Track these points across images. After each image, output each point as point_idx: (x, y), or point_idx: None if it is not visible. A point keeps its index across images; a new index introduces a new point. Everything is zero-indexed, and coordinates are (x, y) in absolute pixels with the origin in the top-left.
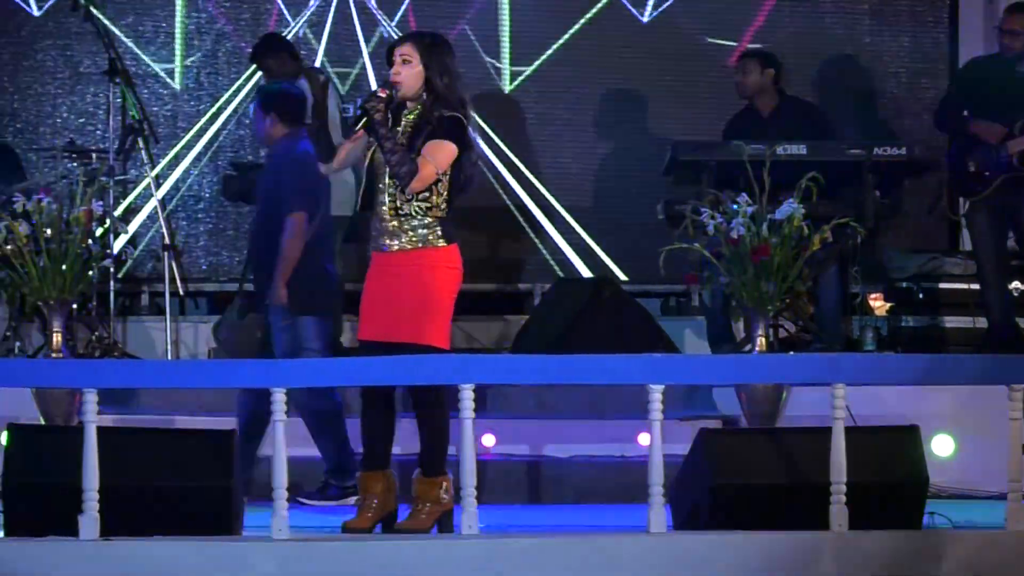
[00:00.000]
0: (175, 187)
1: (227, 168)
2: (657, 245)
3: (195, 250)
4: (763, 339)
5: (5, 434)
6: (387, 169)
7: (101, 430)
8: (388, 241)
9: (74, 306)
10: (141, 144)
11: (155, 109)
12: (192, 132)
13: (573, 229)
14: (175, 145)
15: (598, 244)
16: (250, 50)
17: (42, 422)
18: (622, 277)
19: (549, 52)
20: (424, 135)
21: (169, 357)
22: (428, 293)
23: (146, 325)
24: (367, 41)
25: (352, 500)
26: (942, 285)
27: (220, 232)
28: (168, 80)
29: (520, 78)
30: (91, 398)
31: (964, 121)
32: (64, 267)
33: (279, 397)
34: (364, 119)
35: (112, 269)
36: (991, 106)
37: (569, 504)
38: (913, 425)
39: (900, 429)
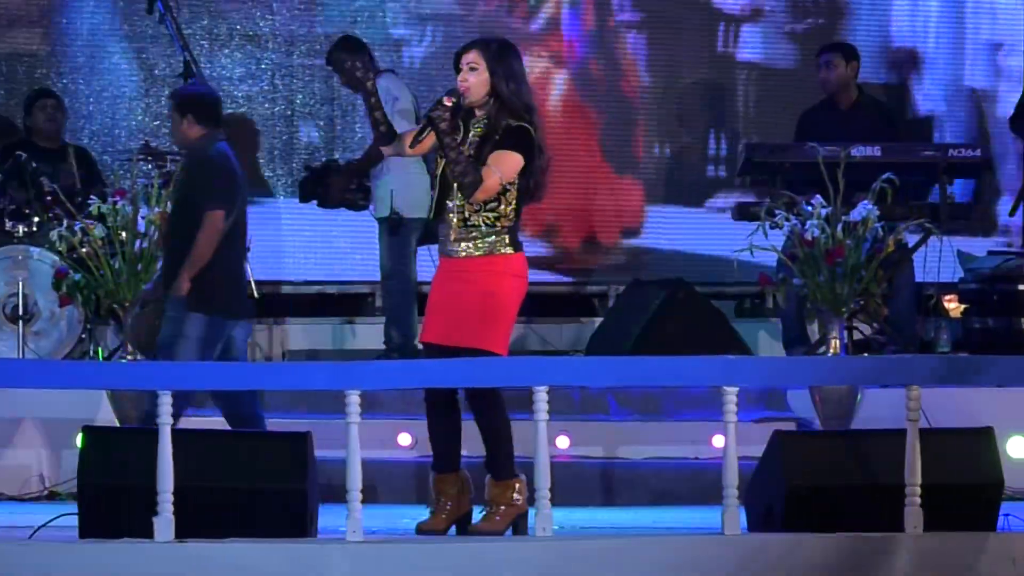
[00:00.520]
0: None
1: (301, 171)
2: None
3: (270, 252)
4: (837, 341)
5: (80, 436)
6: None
7: (175, 432)
8: (456, 247)
9: None
10: None
11: (230, 110)
12: (266, 133)
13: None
14: (250, 147)
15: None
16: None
17: (117, 424)
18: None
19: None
20: (491, 144)
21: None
22: (493, 300)
23: None
24: None
25: None
26: (1020, 287)
27: (295, 234)
28: (241, 83)
29: None
30: (166, 400)
31: None
32: (139, 269)
33: (353, 399)
34: (429, 128)
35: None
36: None
37: (643, 506)
38: (988, 427)
39: (975, 431)
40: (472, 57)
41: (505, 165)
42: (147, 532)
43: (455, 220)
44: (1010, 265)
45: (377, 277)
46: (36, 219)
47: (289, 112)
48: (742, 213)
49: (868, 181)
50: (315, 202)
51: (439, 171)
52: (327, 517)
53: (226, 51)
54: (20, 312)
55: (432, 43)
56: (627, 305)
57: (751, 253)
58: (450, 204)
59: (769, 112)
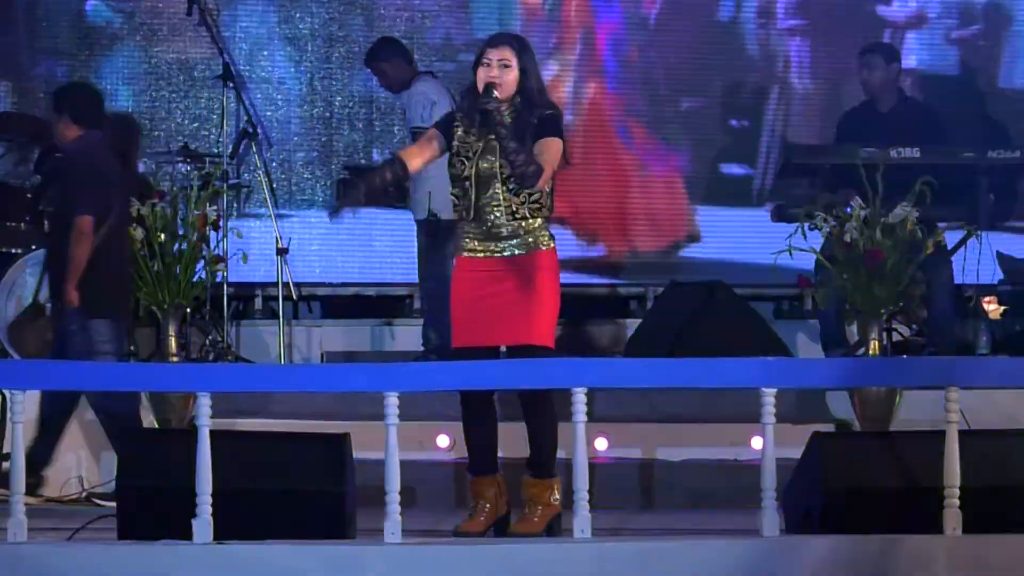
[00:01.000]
0: (288, 191)
1: (341, 172)
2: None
3: (308, 254)
4: (876, 342)
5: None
6: (499, 172)
7: (214, 433)
8: (498, 245)
9: (188, 310)
10: (254, 148)
11: (268, 113)
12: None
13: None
14: (288, 149)
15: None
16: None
17: (156, 426)
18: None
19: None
20: (530, 135)
21: (282, 361)
22: (542, 294)
23: (259, 329)
24: None
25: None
26: None
27: (333, 236)
28: (281, 85)
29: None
30: (205, 402)
31: None
32: (178, 271)
33: (392, 401)
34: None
35: (226, 273)
36: None
37: (681, 507)
38: None
39: (1014, 432)
40: (505, 54)
41: (552, 153)
42: (186, 534)
43: (502, 215)
44: None
45: (415, 279)
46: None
47: (328, 114)
48: (781, 215)
49: (908, 183)
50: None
51: (469, 171)
52: (365, 519)
53: (265, 53)
54: None
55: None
56: (665, 306)
57: (790, 255)
58: (494, 200)
59: None
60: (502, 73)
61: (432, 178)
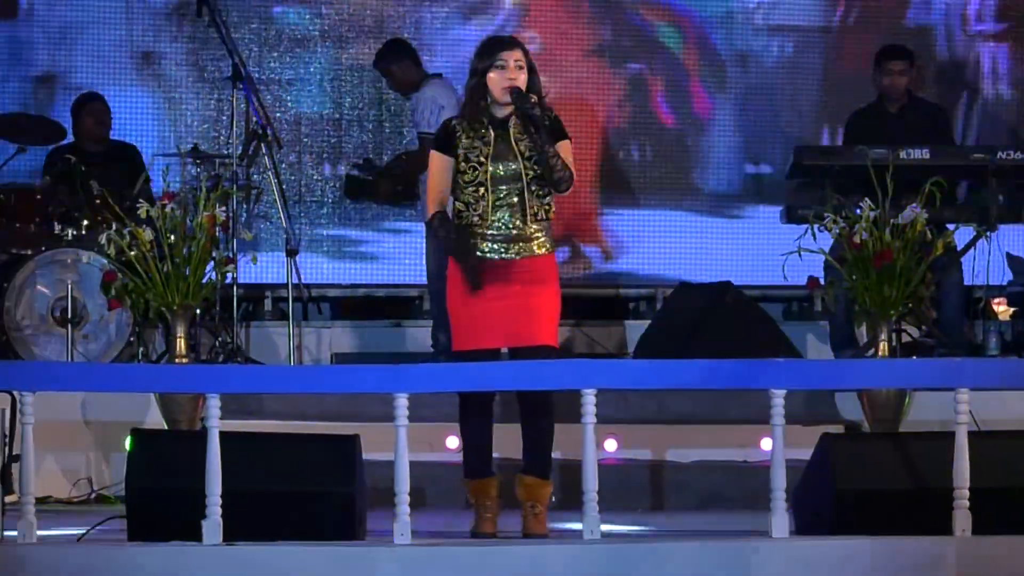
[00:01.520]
0: (298, 192)
1: (350, 169)
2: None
3: (318, 255)
4: (886, 344)
5: (129, 439)
6: (523, 175)
7: (224, 435)
8: (518, 247)
9: (197, 311)
10: (264, 150)
11: (278, 115)
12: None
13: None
14: (298, 151)
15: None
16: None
17: (165, 427)
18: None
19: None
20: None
21: (292, 363)
22: (556, 296)
23: (269, 330)
24: None
25: None
26: None
27: (343, 237)
28: (290, 86)
29: None
30: (214, 403)
31: None
32: (188, 273)
33: (402, 402)
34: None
35: (235, 274)
36: None
37: (691, 509)
38: None
39: None
40: (518, 55)
41: (570, 155)
42: (195, 535)
43: (519, 217)
44: None
45: (425, 280)
46: (85, 222)
47: (337, 115)
48: (791, 216)
49: (917, 184)
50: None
51: (484, 175)
52: (375, 520)
53: (275, 54)
54: (69, 315)
55: None
56: (675, 308)
57: (799, 256)
58: (510, 202)
59: None
60: (519, 74)
61: None
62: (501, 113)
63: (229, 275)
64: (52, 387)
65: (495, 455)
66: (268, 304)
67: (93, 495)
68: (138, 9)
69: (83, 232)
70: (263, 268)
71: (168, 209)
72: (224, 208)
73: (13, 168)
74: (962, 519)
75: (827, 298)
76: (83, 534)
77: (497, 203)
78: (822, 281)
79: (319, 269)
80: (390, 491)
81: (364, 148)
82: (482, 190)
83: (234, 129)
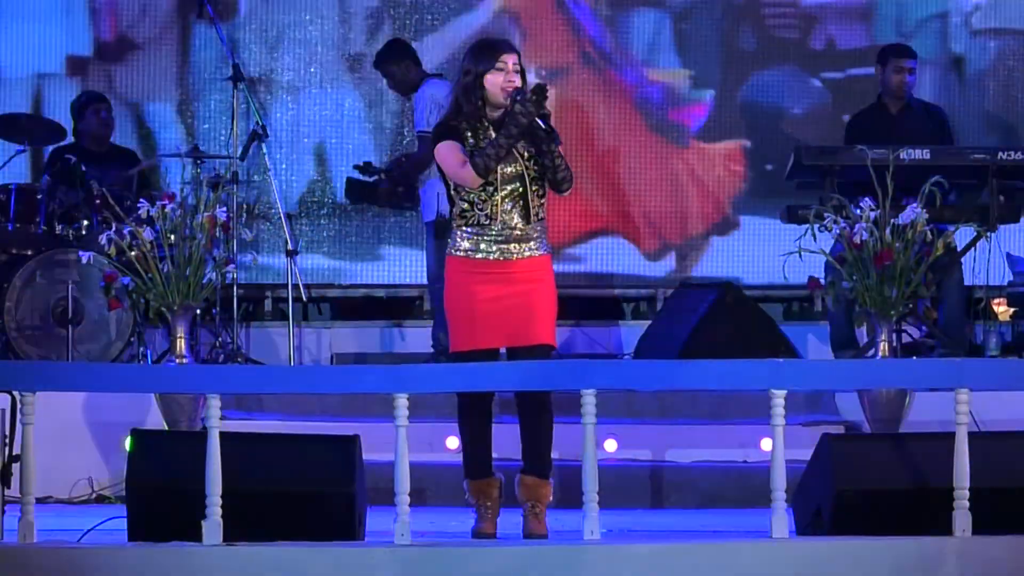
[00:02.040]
0: (298, 193)
1: (350, 171)
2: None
3: (318, 255)
4: (886, 344)
5: (129, 439)
6: (527, 175)
7: (224, 435)
8: (517, 247)
9: (198, 311)
10: (264, 150)
11: (279, 115)
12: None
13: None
14: (298, 151)
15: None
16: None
17: (166, 427)
18: (745, 282)
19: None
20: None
21: (292, 363)
22: (553, 296)
23: (269, 330)
24: None
25: None
26: None
27: (343, 237)
28: (291, 87)
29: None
30: (214, 403)
31: None
32: (188, 273)
33: (402, 402)
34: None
35: (235, 274)
36: None
37: (691, 509)
38: None
39: None
40: (516, 59)
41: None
42: (195, 535)
43: (521, 217)
44: None
45: (425, 280)
46: (85, 222)
47: (338, 116)
48: (791, 216)
49: (918, 184)
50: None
51: (493, 176)
52: (375, 520)
53: (275, 55)
54: (69, 315)
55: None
56: (675, 308)
57: (800, 256)
58: (513, 202)
59: None
60: (516, 78)
61: (441, 181)
62: (497, 115)
63: (229, 275)
64: (52, 387)
65: (494, 455)
66: (268, 304)
67: (93, 495)
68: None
69: (83, 232)
70: (263, 268)
71: (168, 209)
72: (224, 208)
73: (13, 168)
74: (962, 519)
75: (828, 298)
76: (83, 534)
77: (504, 203)
78: (822, 281)
79: (319, 269)
80: (390, 491)
81: (364, 148)
82: (491, 189)
83: (234, 129)
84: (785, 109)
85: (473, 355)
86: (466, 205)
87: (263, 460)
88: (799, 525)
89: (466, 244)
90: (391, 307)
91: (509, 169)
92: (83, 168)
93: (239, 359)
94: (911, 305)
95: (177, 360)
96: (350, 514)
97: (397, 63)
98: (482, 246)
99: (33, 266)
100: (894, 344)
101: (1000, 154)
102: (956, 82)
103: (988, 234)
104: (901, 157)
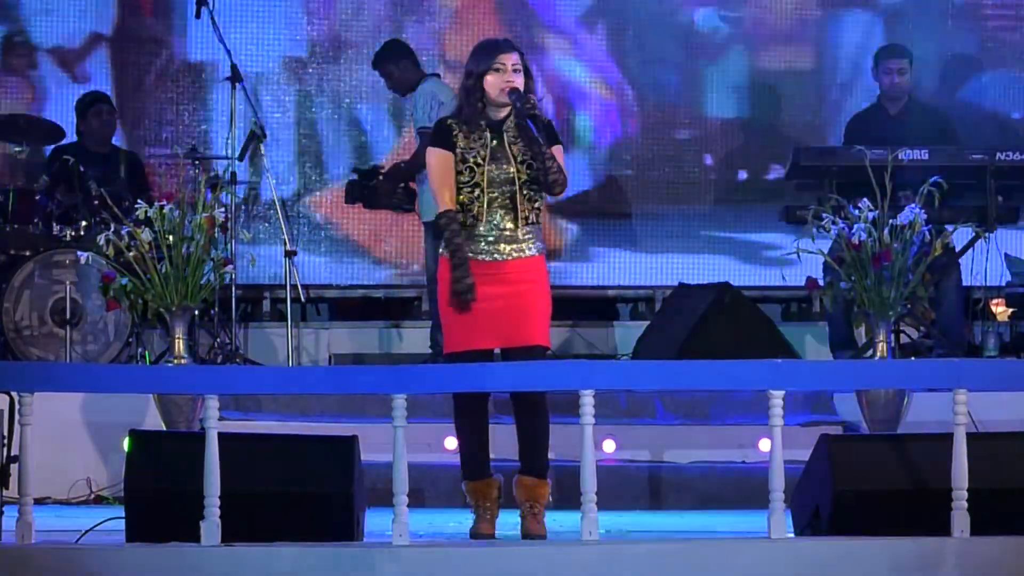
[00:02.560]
0: (296, 193)
1: (349, 174)
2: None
3: (316, 256)
4: (884, 344)
5: (127, 440)
6: (517, 177)
7: (222, 436)
8: (509, 248)
9: (196, 312)
10: (263, 150)
11: (277, 116)
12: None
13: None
14: (296, 151)
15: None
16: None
17: (164, 428)
18: (743, 282)
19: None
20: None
21: (290, 363)
22: (547, 297)
23: (267, 331)
24: None
25: None
26: None
27: (341, 238)
28: (289, 87)
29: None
30: (213, 404)
31: None
32: (186, 273)
33: (400, 403)
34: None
35: (234, 275)
36: None
37: (689, 510)
38: None
39: (1023, 435)
40: (516, 59)
41: (561, 158)
42: (194, 536)
43: (512, 219)
44: None
45: (423, 281)
46: (84, 223)
47: (336, 116)
48: (790, 216)
49: (916, 185)
50: (361, 204)
51: (480, 176)
52: (374, 521)
53: (273, 54)
54: (68, 316)
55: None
56: (674, 309)
57: (798, 257)
58: (504, 204)
59: None
60: (516, 78)
61: None
62: (497, 116)
63: (227, 276)
64: (50, 388)
65: (492, 456)
66: (267, 305)
67: (91, 496)
68: (135, 8)
69: (82, 233)
70: (261, 269)
71: (166, 210)
72: (222, 209)
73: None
74: (960, 520)
75: (826, 299)
76: (82, 535)
77: (491, 205)
78: (821, 282)
79: (317, 270)
80: (388, 492)
81: (363, 149)
82: (478, 191)
83: (232, 130)
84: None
85: (467, 356)
86: (456, 206)
87: (261, 461)
88: (797, 526)
89: (462, 245)
90: (389, 308)
91: (500, 171)
92: (82, 168)
93: (237, 360)
94: (909, 306)
95: (175, 361)
96: (348, 515)
97: (396, 63)
98: (472, 247)
99: (32, 267)
100: (892, 345)
101: (998, 155)
102: None
103: (986, 234)
104: (900, 158)
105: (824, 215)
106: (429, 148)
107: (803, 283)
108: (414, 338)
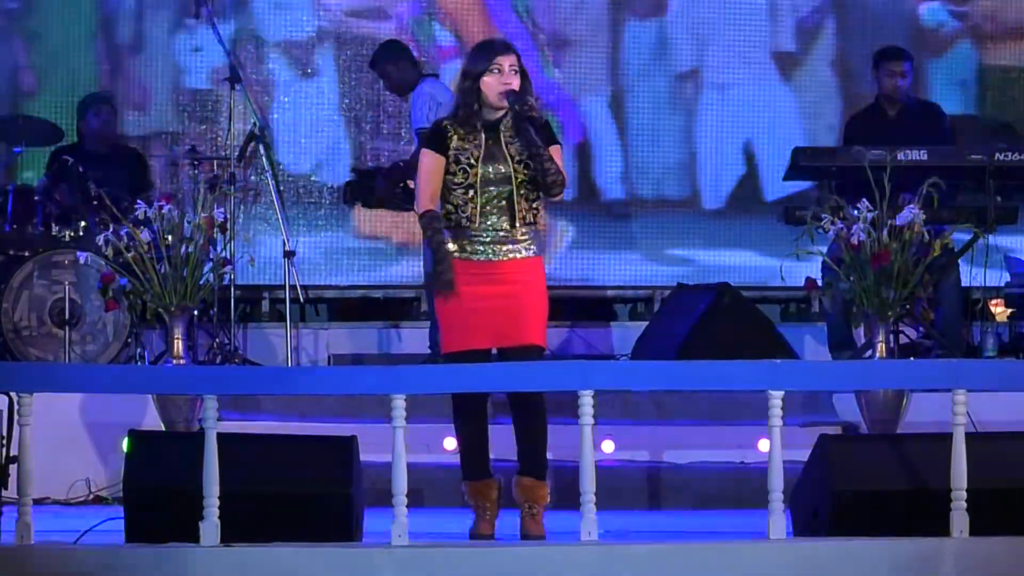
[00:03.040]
0: (295, 194)
1: (347, 174)
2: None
3: (315, 257)
4: (883, 345)
5: (126, 440)
6: (513, 178)
7: (221, 436)
8: (505, 249)
9: (195, 313)
10: (262, 151)
11: (276, 116)
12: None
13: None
14: (295, 151)
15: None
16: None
17: (163, 428)
18: (742, 282)
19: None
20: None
21: (289, 364)
22: (544, 297)
23: (266, 331)
24: None
25: None
26: None
27: (340, 239)
28: (288, 87)
29: None
30: (212, 404)
31: None
32: (185, 274)
33: (399, 403)
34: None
35: (233, 275)
36: None
37: (688, 510)
38: None
39: (1022, 435)
40: (513, 59)
41: (559, 158)
42: (193, 536)
43: (508, 219)
44: None
45: (422, 281)
46: (83, 223)
47: (335, 116)
48: (789, 217)
49: (915, 185)
50: (360, 204)
51: (473, 177)
52: (373, 521)
53: (272, 55)
54: (66, 316)
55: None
56: (673, 309)
57: (797, 257)
58: (499, 204)
59: None
60: (513, 79)
61: None
62: (493, 116)
63: (226, 276)
64: (49, 388)
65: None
66: (265, 305)
67: (91, 496)
68: (136, 11)
69: (80, 233)
70: (260, 269)
71: (165, 210)
72: (221, 209)
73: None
74: (960, 520)
75: (825, 299)
76: (81, 535)
77: (486, 206)
78: (820, 283)
79: (316, 270)
80: (388, 492)
81: (362, 149)
82: (471, 192)
83: (231, 130)
84: None
85: (464, 355)
86: (450, 207)
87: (260, 461)
88: (796, 526)
89: (452, 245)
90: (388, 308)
91: (495, 171)
92: (81, 169)
93: (236, 360)
94: (908, 306)
95: (174, 361)
96: (347, 515)
97: (394, 63)
98: (468, 247)
99: (30, 267)
100: (891, 345)
101: (997, 155)
102: None
103: (985, 235)
104: (899, 158)
105: (823, 216)
106: (423, 149)
107: (802, 283)
108: (413, 338)
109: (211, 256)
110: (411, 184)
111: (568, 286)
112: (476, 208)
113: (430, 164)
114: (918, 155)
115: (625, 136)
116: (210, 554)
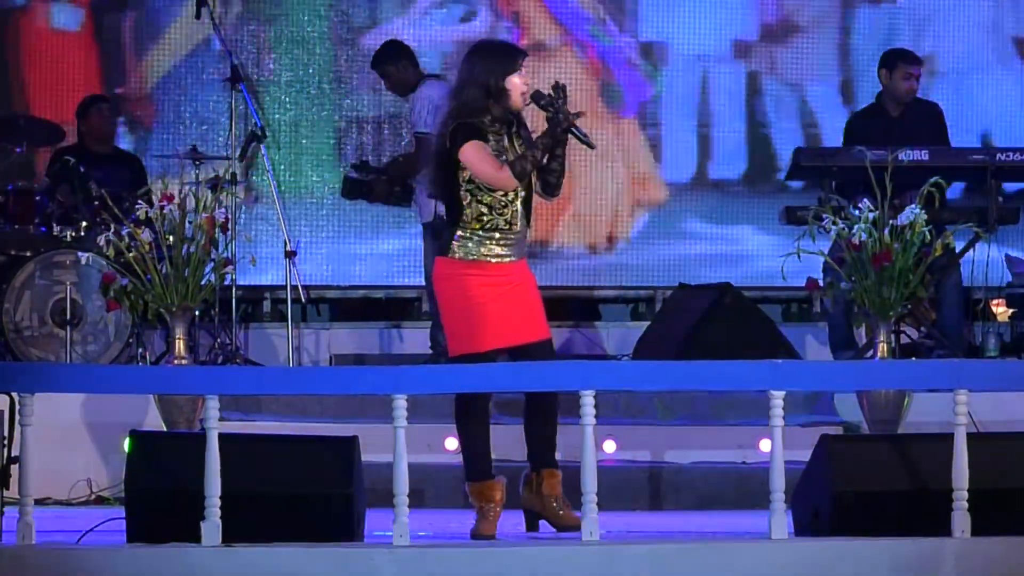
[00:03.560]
0: (296, 193)
1: (347, 171)
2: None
3: (317, 256)
4: (885, 345)
5: (128, 441)
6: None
7: (223, 436)
8: (515, 249)
9: (196, 313)
10: (263, 151)
11: (277, 116)
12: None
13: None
14: (296, 151)
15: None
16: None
17: (164, 429)
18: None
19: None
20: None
21: (291, 364)
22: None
23: (268, 332)
24: None
25: None
26: None
27: (341, 239)
28: (289, 88)
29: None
30: (213, 404)
31: None
32: (187, 274)
33: (400, 403)
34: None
35: (234, 276)
36: None
37: (690, 510)
38: None
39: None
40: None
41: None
42: (194, 537)
43: (528, 221)
44: None
45: (423, 281)
46: (84, 223)
47: (336, 116)
48: (790, 217)
49: (916, 185)
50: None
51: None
52: (374, 521)
53: (273, 56)
54: (68, 317)
55: None
56: (674, 309)
57: (798, 257)
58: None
59: None
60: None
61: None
62: (511, 117)
63: (228, 276)
64: (51, 389)
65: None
66: (267, 305)
67: (92, 497)
68: (135, 10)
69: (82, 233)
70: (262, 270)
71: (167, 210)
72: (223, 209)
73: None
74: (961, 520)
75: (826, 299)
76: (82, 535)
77: (518, 207)
78: (821, 283)
79: (318, 270)
80: (389, 492)
81: (363, 149)
82: (512, 195)
83: (233, 130)
84: None
85: (478, 357)
86: (484, 209)
87: (262, 461)
88: (798, 526)
89: (481, 249)
90: (390, 308)
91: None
92: (82, 169)
93: (238, 360)
94: (909, 306)
95: (176, 361)
96: (349, 515)
97: (394, 64)
98: (496, 250)
99: (32, 267)
100: (893, 345)
101: (999, 155)
102: None
103: (987, 235)
104: (900, 158)
105: (824, 216)
106: (470, 142)
107: (803, 283)
108: (414, 338)
109: (212, 256)
110: (411, 183)
111: (569, 286)
112: (516, 210)
113: (483, 146)
114: (919, 155)
115: None
116: (211, 554)
